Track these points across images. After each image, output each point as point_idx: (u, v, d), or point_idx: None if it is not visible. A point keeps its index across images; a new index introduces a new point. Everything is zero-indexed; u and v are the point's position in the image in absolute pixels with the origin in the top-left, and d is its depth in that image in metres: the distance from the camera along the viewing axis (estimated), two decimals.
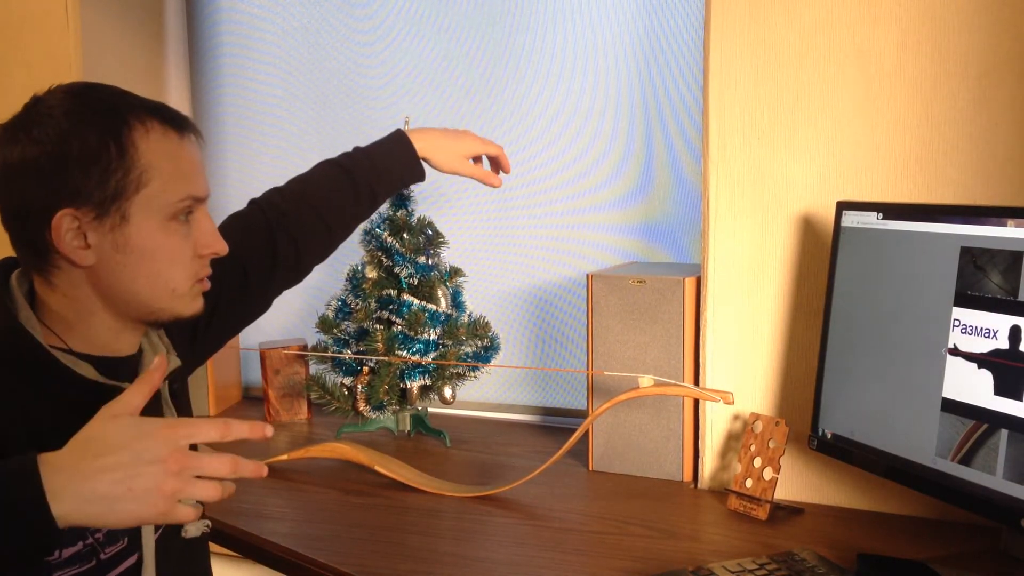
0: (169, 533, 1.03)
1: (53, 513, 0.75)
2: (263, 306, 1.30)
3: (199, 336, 1.19)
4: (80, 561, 0.92)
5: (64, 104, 0.92)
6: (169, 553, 1.03)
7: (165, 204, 0.94)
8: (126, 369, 1.00)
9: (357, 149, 1.38)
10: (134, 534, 0.98)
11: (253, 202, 1.32)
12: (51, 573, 0.90)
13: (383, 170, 1.38)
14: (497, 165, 1.46)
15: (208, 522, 1.07)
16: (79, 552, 0.92)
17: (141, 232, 0.93)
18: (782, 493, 1.39)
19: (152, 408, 1.01)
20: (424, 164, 1.41)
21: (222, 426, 0.82)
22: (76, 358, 0.95)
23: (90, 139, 0.90)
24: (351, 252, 1.88)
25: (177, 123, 0.97)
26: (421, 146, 1.39)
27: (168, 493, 0.79)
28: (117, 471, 0.77)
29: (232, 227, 1.27)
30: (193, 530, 1.05)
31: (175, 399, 1.06)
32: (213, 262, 1.20)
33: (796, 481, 1.40)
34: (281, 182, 1.35)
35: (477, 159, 1.46)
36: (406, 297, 1.70)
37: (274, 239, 1.27)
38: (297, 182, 1.35)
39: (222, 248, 1.00)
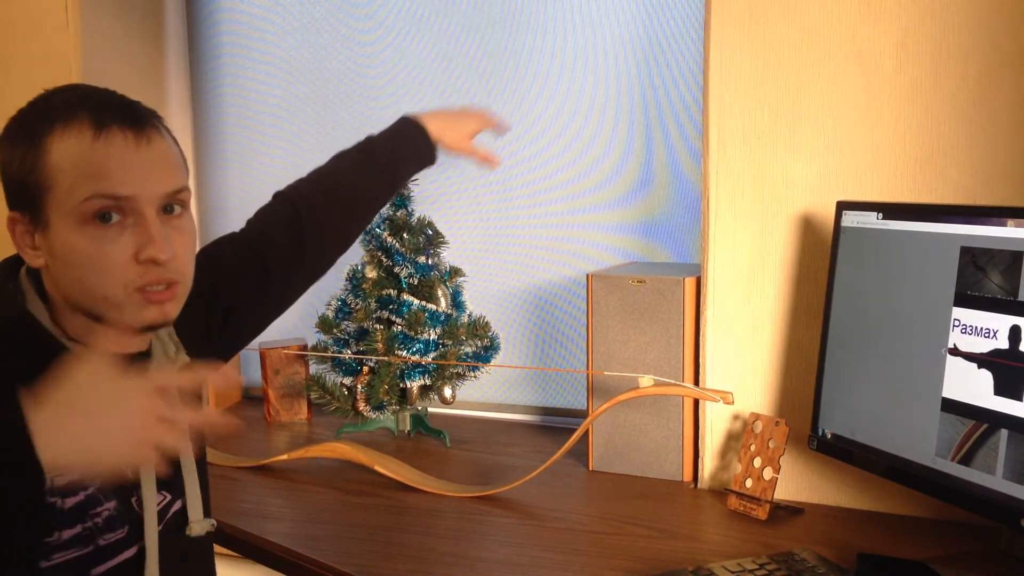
0: (172, 530, 1.03)
1: (35, 445, 0.74)
2: (286, 303, 1.27)
3: (213, 336, 1.16)
4: (79, 544, 0.93)
5: (26, 108, 0.94)
6: (172, 550, 1.02)
7: (72, 206, 0.89)
8: (135, 364, 0.99)
9: (371, 137, 1.37)
10: (134, 524, 0.98)
11: (278, 194, 1.29)
12: (50, 555, 0.91)
13: (402, 154, 1.37)
14: (499, 131, 1.47)
15: (213, 521, 1.07)
16: (78, 535, 0.93)
17: (59, 236, 0.90)
18: (782, 493, 1.39)
19: None
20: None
21: (191, 377, 0.83)
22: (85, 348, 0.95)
23: (18, 145, 0.92)
24: (351, 252, 1.88)
25: (100, 118, 0.91)
26: (432, 128, 1.38)
27: (144, 433, 0.78)
28: (97, 410, 0.77)
29: (255, 220, 1.26)
30: (198, 528, 1.05)
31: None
32: (231, 256, 1.19)
33: (796, 481, 1.40)
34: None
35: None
36: (406, 297, 1.70)
37: (301, 229, 1.25)
38: (322, 171, 1.33)
39: (160, 254, 0.91)
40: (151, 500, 0.99)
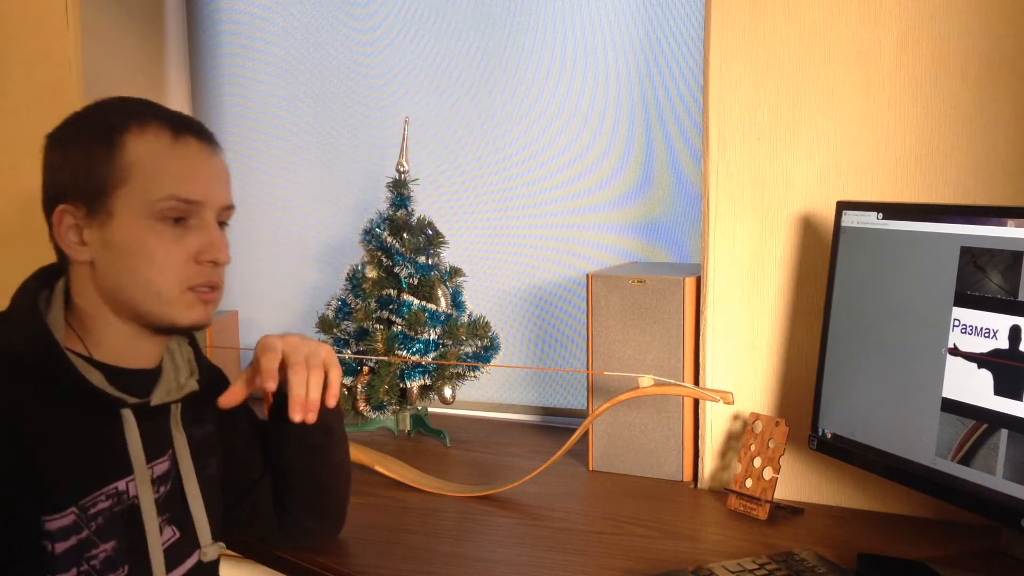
0: (179, 560, 1.03)
1: None
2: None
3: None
4: None
5: (87, 110, 0.98)
6: None
7: (146, 202, 0.93)
8: (140, 382, 1.00)
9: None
10: (137, 562, 0.97)
11: None
12: None
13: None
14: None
15: (222, 544, 1.08)
16: None
17: (124, 229, 0.94)
18: (782, 493, 1.39)
19: (161, 429, 1.02)
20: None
21: None
22: (89, 364, 0.95)
23: (88, 138, 0.95)
24: (351, 252, 1.88)
25: (176, 125, 0.96)
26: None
27: None
28: None
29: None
30: (211, 553, 1.05)
31: (196, 424, 1.06)
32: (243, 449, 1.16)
33: (796, 481, 1.40)
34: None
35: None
36: (406, 297, 1.70)
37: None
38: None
39: (220, 257, 0.97)
40: (155, 541, 0.98)
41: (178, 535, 1.02)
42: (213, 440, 1.10)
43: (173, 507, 1.02)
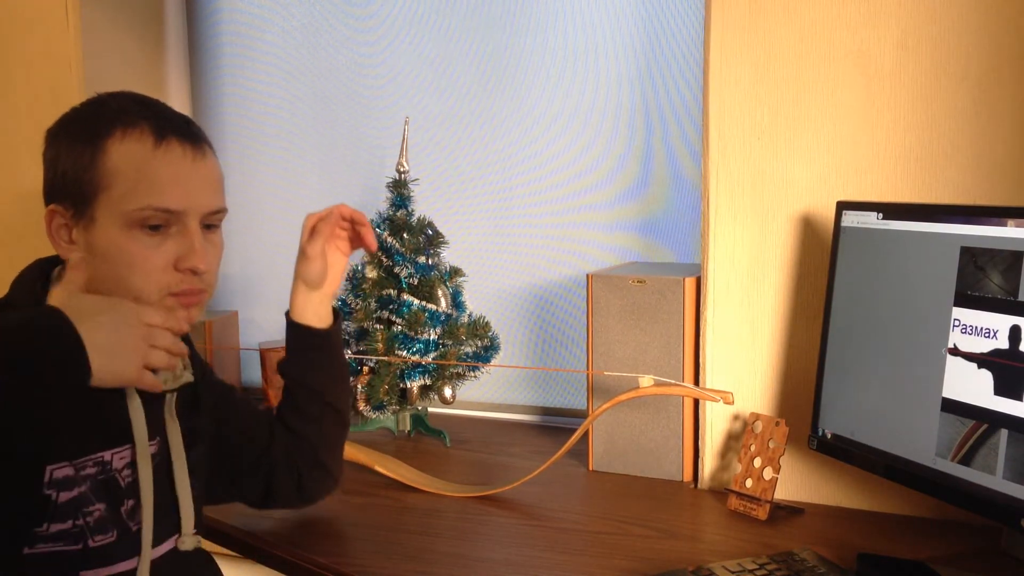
0: (157, 539, 1.03)
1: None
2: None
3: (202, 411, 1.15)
4: (66, 540, 0.93)
5: (83, 107, 0.99)
6: (171, 567, 1.03)
7: (124, 211, 0.94)
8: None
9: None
10: (123, 527, 0.98)
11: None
12: (34, 543, 0.92)
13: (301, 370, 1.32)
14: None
15: (199, 537, 1.08)
16: (67, 530, 0.93)
17: (105, 235, 0.95)
18: (782, 493, 1.39)
19: (155, 414, 1.03)
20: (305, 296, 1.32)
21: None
22: None
23: (76, 141, 0.96)
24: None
25: (161, 128, 0.96)
26: (298, 304, 1.34)
27: (141, 351, 0.87)
28: (109, 326, 0.86)
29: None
30: (189, 543, 1.06)
31: (186, 414, 1.07)
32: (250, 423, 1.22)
33: (796, 481, 1.40)
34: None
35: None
36: (406, 297, 1.70)
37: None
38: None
39: (200, 265, 0.97)
40: (149, 515, 0.99)
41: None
42: (201, 431, 1.12)
43: (156, 491, 1.02)
